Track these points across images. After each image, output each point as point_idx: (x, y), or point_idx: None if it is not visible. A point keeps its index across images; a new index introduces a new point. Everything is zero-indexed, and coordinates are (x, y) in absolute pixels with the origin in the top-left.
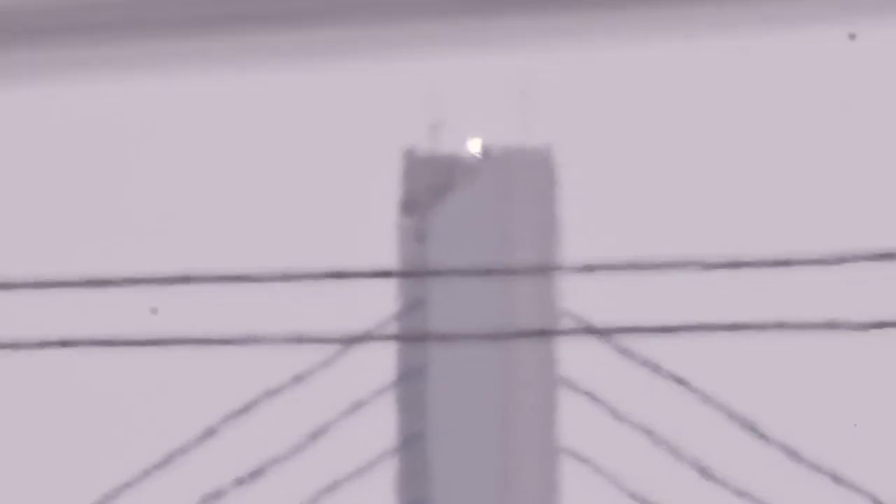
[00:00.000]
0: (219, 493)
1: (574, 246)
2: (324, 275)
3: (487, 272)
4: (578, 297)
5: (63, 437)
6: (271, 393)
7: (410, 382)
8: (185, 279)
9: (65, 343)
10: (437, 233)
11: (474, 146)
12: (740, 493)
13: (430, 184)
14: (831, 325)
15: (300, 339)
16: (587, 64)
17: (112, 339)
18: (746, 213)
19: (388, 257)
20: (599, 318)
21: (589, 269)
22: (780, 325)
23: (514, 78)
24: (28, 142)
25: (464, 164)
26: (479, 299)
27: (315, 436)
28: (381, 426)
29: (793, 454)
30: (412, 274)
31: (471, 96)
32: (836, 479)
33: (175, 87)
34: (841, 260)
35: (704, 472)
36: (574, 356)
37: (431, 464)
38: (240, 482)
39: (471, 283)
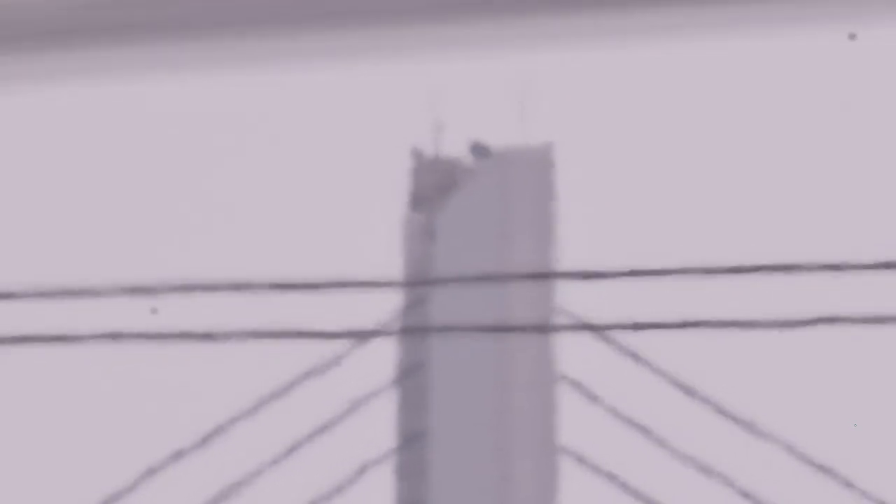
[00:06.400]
0: (218, 493)
1: (574, 245)
2: (325, 284)
3: (487, 275)
4: (578, 296)
5: (64, 437)
6: (274, 390)
7: (411, 379)
8: (188, 286)
9: (65, 340)
10: (438, 232)
11: (474, 147)
12: (739, 492)
13: (433, 183)
14: (831, 323)
15: (300, 337)
16: (588, 64)
17: (112, 335)
18: (746, 212)
19: (391, 256)
20: (599, 316)
21: (589, 268)
22: (781, 323)
23: (515, 79)
24: (29, 144)
25: (464, 164)
26: (480, 296)
27: (316, 433)
28: (381, 423)
29: (792, 453)
30: (413, 282)
31: (472, 97)
32: (836, 478)
33: (177, 89)
34: (842, 266)
35: (704, 471)
36: (573, 354)
37: (430, 460)
38: (240, 481)
39: (471, 282)
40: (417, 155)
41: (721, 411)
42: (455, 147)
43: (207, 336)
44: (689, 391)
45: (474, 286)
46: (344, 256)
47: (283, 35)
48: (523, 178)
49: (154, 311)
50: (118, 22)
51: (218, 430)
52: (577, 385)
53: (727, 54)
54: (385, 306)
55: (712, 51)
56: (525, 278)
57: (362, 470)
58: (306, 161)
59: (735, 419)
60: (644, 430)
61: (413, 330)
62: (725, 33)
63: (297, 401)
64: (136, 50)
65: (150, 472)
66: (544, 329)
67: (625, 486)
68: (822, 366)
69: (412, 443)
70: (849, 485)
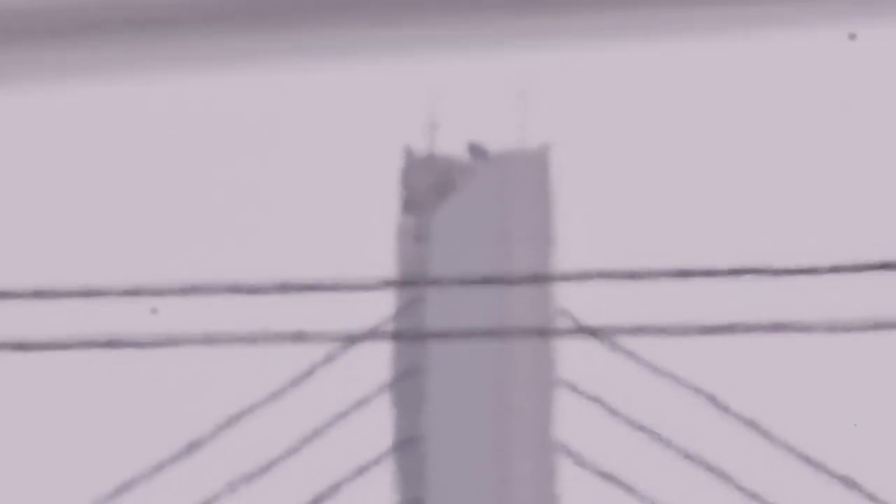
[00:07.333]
0: (216, 494)
1: (572, 247)
2: (321, 286)
3: (485, 275)
4: (576, 298)
5: (64, 438)
6: (270, 392)
7: (408, 382)
8: (185, 289)
9: (64, 343)
10: (435, 234)
11: (472, 147)
12: (740, 493)
13: (429, 184)
14: (830, 326)
15: (297, 339)
16: (587, 64)
17: (112, 339)
18: (746, 213)
19: (387, 258)
20: (597, 319)
21: (587, 270)
22: (779, 326)
23: (513, 79)
24: (29, 143)
25: (462, 165)
26: (477, 299)
27: (313, 435)
28: (378, 425)
29: (792, 453)
30: (409, 282)
31: (470, 97)
32: (837, 478)
33: (173, 87)
34: (839, 269)
35: (703, 472)
36: (572, 356)
37: (428, 463)
38: (237, 482)
39: (468, 284)
40: (409, 155)
41: (720, 412)
42: (453, 147)
43: (206, 338)
44: (687, 392)
45: (473, 288)
46: (342, 258)
47: (282, 35)
48: (522, 179)
49: (154, 311)
50: (118, 22)
51: (217, 431)
52: (575, 387)
53: (727, 54)
54: (383, 308)
55: (712, 51)
56: (523, 281)
57: (362, 471)
58: (305, 161)
59: (735, 420)
60: (643, 431)
61: (412, 334)
62: (726, 33)
63: (297, 403)
64: (136, 50)
65: (149, 472)
66: (543, 333)
67: (624, 488)
68: (823, 367)
69: (411, 444)
70: (849, 484)
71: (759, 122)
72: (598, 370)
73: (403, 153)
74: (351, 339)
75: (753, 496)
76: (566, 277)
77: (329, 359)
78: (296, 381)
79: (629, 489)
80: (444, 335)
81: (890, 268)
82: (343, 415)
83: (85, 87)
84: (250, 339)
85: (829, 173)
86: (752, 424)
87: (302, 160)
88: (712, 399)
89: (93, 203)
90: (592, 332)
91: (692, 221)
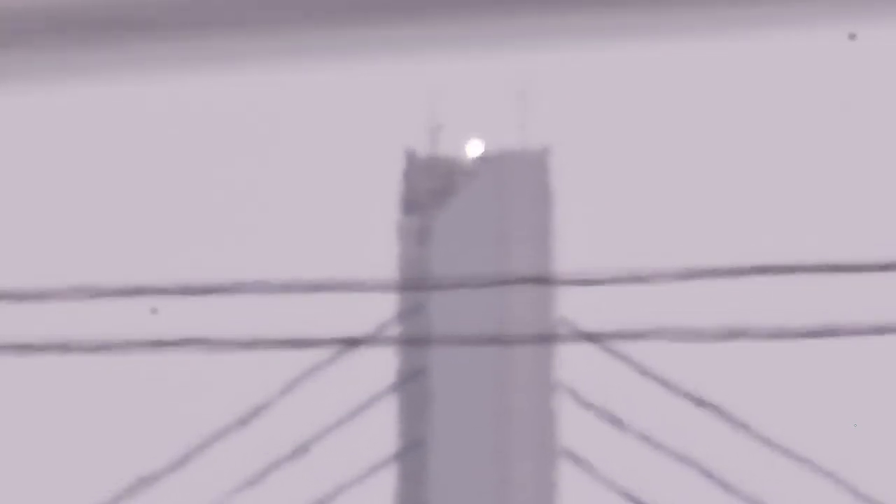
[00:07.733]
0: (218, 498)
1: (572, 250)
2: (322, 287)
3: (485, 278)
4: (576, 302)
5: (64, 440)
6: (272, 396)
7: (410, 386)
8: (185, 289)
9: (65, 345)
10: (435, 236)
11: (473, 148)
12: (739, 496)
13: (430, 185)
14: (828, 329)
15: (300, 342)
16: (587, 64)
17: (112, 342)
18: (745, 215)
19: (389, 260)
20: (596, 323)
21: (587, 274)
22: (777, 329)
23: (513, 79)
24: (29, 143)
25: (463, 166)
26: (478, 303)
27: (315, 439)
28: (380, 430)
29: (791, 456)
30: (409, 286)
31: (470, 98)
32: (836, 480)
33: (174, 88)
34: (839, 269)
35: (703, 476)
36: (573, 361)
37: (430, 468)
38: (239, 487)
39: (469, 288)
40: (410, 156)
41: (719, 415)
42: (453, 148)
43: (208, 342)
44: (686, 396)
45: (475, 292)
46: (343, 260)
47: (282, 35)
48: (521, 180)
49: (154, 311)
50: (118, 22)
51: (220, 434)
52: (575, 391)
53: (727, 54)
54: (384, 310)
55: (712, 51)
56: (523, 283)
57: (365, 474)
58: (305, 161)
59: (734, 423)
60: (644, 436)
61: (414, 339)
62: (726, 33)
63: (298, 406)
64: (136, 50)
65: (152, 476)
66: (543, 338)
67: (623, 491)
68: (822, 371)
69: (413, 448)
70: (849, 487)
71: (760, 122)
72: (597, 374)
73: (405, 155)
74: (353, 343)
75: (753, 500)
76: (566, 281)
77: (331, 362)
78: (298, 384)
79: (628, 493)
80: (445, 341)
81: (890, 268)
82: (345, 418)
83: (85, 87)
84: (253, 342)
85: (830, 173)
86: (750, 428)
87: (302, 160)
88: (711, 403)
89: (93, 203)
90: (592, 337)
91: (693, 222)
